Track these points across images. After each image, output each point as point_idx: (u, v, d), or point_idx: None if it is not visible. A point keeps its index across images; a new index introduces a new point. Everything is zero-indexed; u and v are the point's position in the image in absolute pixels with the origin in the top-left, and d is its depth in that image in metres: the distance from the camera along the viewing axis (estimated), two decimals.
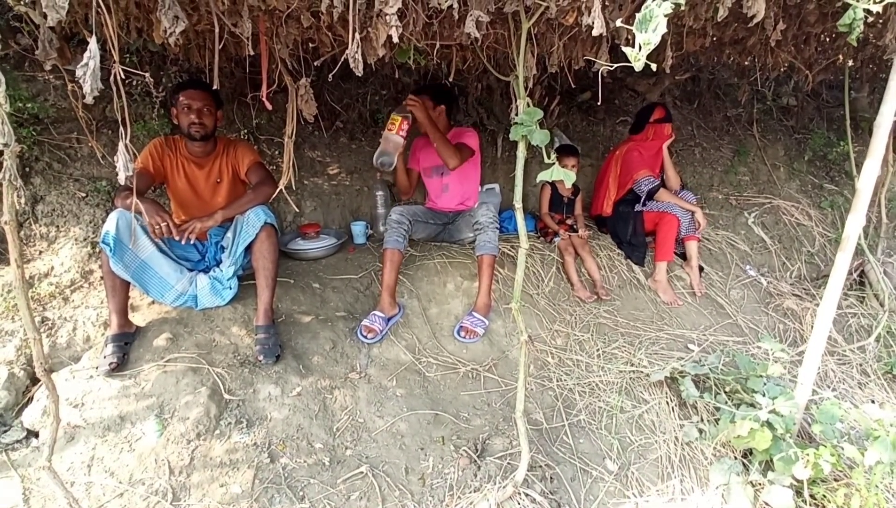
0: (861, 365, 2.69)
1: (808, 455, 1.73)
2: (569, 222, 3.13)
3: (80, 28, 1.62)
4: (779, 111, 4.42)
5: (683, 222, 3.00)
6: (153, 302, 2.22)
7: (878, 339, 2.82)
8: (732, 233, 3.54)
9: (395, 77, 3.34)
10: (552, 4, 1.46)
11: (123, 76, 1.30)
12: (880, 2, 1.31)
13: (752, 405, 1.96)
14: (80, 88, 1.21)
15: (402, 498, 1.75)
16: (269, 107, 1.83)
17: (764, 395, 1.93)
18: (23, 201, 2.40)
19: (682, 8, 1.44)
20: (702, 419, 2.12)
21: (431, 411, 2.06)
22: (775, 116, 4.40)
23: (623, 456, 2.02)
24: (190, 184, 2.27)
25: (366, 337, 2.26)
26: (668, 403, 2.22)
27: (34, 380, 1.98)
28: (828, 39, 2.45)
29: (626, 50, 1.12)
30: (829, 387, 2.51)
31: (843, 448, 1.77)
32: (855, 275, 3.26)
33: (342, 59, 1.48)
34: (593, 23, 1.37)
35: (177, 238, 1.97)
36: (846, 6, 1.42)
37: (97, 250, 2.38)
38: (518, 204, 1.68)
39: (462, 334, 2.40)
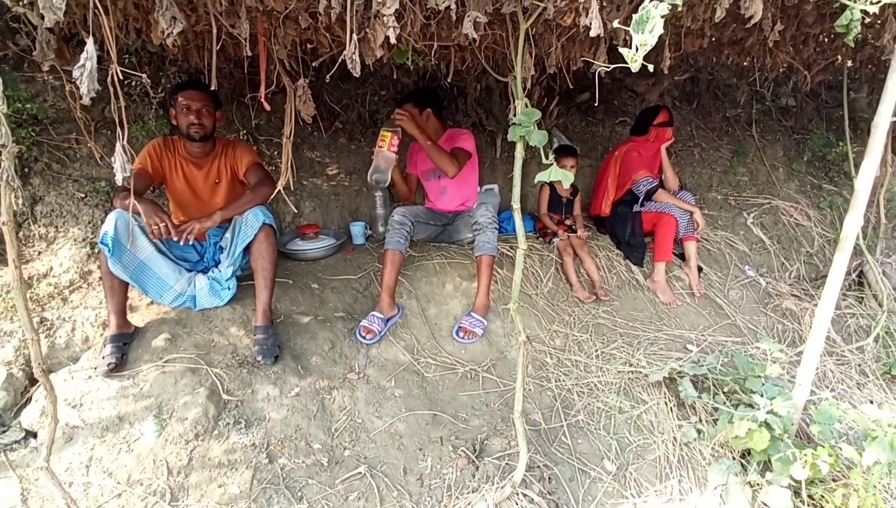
0: (860, 366, 2.69)
1: (806, 455, 1.73)
2: (567, 222, 3.13)
3: (79, 29, 1.62)
4: (778, 112, 4.43)
5: (681, 223, 3.00)
6: (152, 303, 2.22)
7: (877, 339, 2.82)
8: (731, 233, 3.54)
9: (393, 78, 3.34)
10: (550, 5, 1.46)
11: (121, 77, 1.30)
12: (877, 2, 1.31)
13: (750, 405, 1.96)
14: (78, 88, 1.21)
15: (400, 499, 1.75)
16: (268, 107, 1.83)
17: (762, 395, 1.93)
18: (20, 201, 2.40)
19: (680, 9, 1.44)
20: (700, 420, 2.12)
21: (430, 411, 2.06)
22: (774, 116, 4.41)
23: (621, 457, 2.02)
24: (189, 184, 2.28)
25: (364, 338, 2.26)
26: (666, 403, 2.22)
27: (33, 381, 1.98)
28: (826, 40, 2.45)
29: (623, 51, 1.13)
30: (827, 387, 2.51)
31: (841, 449, 1.77)
32: (854, 275, 3.26)
33: (340, 59, 1.48)
34: (591, 24, 1.38)
35: (175, 239, 1.97)
36: (844, 7, 1.42)
37: (96, 250, 2.38)
38: (516, 204, 1.68)
39: (461, 334, 2.40)
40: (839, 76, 3.33)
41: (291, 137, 1.96)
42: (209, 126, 2.19)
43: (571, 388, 2.27)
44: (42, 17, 1.15)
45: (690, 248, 3.07)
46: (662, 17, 1.07)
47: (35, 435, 1.83)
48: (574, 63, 2.10)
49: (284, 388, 1.98)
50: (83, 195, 2.53)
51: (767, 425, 1.80)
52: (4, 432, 1.84)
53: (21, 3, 1.23)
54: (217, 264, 2.28)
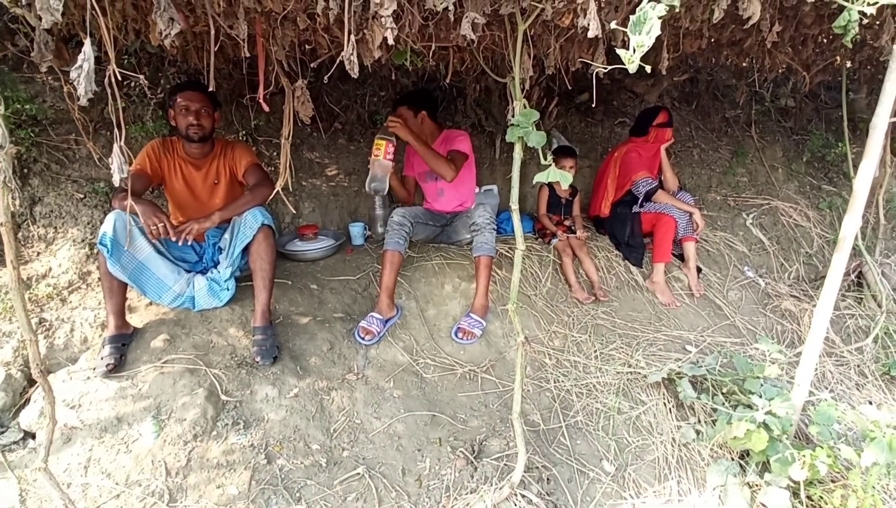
0: (858, 366, 2.69)
1: (804, 456, 1.73)
2: (567, 223, 3.13)
3: (78, 30, 1.62)
4: (777, 112, 4.43)
5: (680, 223, 3.00)
6: (150, 303, 2.22)
7: (876, 340, 2.82)
8: (731, 234, 3.54)
9: (392, 79, 3.35)
10: (548, 6, 1.46)
11: (119, 78, 1.30)
12: (874, 3, 1.31)
13: (749, 406, 1.96)
14: (76, 89, 1.21)
15: (398, 500, 1.75)
16: (267, 108, 1.84)
17: (761, 396, 1.93)
18: (18, 202, 2.40)
19: (678, 10, 1.44)
20: (699, 421, 2.12)
21: (428, 412, 2.06)
22: (773, 117, 4.41)
23: (620, 457, 2.02)
24: (187, 185, 2.28)
25: (363, 339, 2.26)
26: (665, 404, 2.22)
27: (31, 381, 1.98)
28: (825, 41, 2.45)
29: (620, 52, 1.13)
30: (826, 388, 2.51)
31: (839, 450, 1.77)
32: (853, 276, 3.26)
33: (339, 60, 1.48)
34: (589, 25, 1.38)
35: (174, 239, 1.98)
36: (842, 8, 1.42)
37: (95, 251, 2.38)
38: (514, 205, 1.68)
39: (459, 335, 2.40)
40: (838, 77, 3.33)
41: (290, 138, 1.96)
42: (208, 127, 2.19)
43: (570, 389, 2.27)
44: (39, 19, 1.15)
45: (689, 249, 3.07)
46: (660, 18, 1.07)
47: (33, 436, 1.83)
48: (573, 64, 2.10)
49: (283, 389, 1.98)
50: (82, 196, 2.54)
51: (766, 426, 1.80)
52: (3, 433, 1.84)
53: (19, 4, 1.23)
54: (216, 264, 2.28)
